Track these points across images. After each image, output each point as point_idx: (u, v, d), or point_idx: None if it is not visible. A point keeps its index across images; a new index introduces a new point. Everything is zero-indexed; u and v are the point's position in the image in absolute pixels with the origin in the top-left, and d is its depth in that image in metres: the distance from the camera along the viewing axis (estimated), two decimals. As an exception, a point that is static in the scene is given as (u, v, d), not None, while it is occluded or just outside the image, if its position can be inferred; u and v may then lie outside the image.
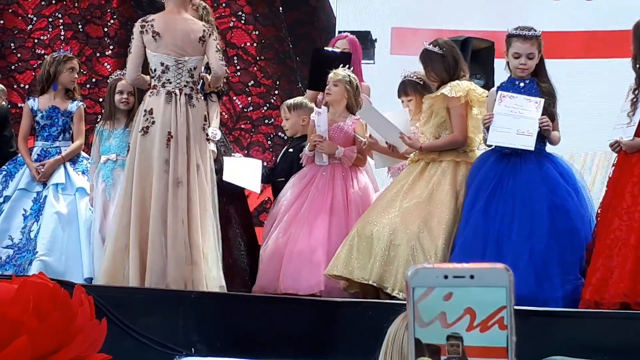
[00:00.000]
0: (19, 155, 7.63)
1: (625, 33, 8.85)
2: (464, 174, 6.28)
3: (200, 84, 6.60)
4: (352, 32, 8.31)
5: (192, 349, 5.80)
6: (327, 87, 6.93)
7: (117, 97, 7.38)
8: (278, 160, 7.53)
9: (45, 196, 7.37)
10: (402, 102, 6.94)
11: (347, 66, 7.02)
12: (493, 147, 6.21)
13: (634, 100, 5.94)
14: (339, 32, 9.33)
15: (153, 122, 6.40)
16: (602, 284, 5.73)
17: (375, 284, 6.12)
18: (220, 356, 5.62)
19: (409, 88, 6.85)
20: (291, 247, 6.60)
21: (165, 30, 6.48)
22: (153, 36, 6.47)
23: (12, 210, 7.38)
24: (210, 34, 6.49)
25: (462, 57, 6.45)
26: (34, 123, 7.58)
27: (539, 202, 6.05)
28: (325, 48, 7.60)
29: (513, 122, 6.06)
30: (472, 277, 1.13)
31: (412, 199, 6.24)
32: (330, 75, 6.90)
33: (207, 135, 6.54)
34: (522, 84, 6.19)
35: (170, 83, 6.45)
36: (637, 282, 5.64)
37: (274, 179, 7.42)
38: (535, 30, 6.20)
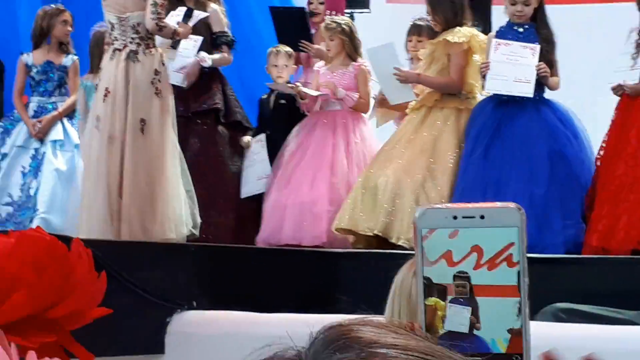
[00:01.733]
0: (15, 111, 7.59)
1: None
2: (466, 122, 6.26)
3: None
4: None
5: (194, 303, 5.79)
6: (323, 42, 6.88)
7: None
8: (267, 110, 7.45)
9: (44, 153, 7.34)
10: (410, 41, 6.85)
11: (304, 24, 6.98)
12: (491, 94, 6.18)
13: (639, 42, 5.88)
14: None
15: (100, 79, 6.44)
16: (609, 231, 5.71)
17: (380, 234, 6.11)
18: (222, 309, 5.63)
19: (424, 30, 6.77)
20: (293, 199, 6.58)
21: None
22: None
23: (10, 168, 7.35)
24: None
25: (467, 4, 6.38)
26: (27, 78, 7.54)
27: (538, 148, 6.04)
28: (279, 6, 7.51)
29: (510, 69, 6.03)
30: (482, 217, 1.10)
31: (416, 148, 6.23)
32: (323, 30, 6.85)
33: (157, 88, 6.43)
34: (521, 29, 6.15)
35: (117, 40, 6.44)
36: None
37: (268, 131, 7.38)
38: None
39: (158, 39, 6.60)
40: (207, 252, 6.32)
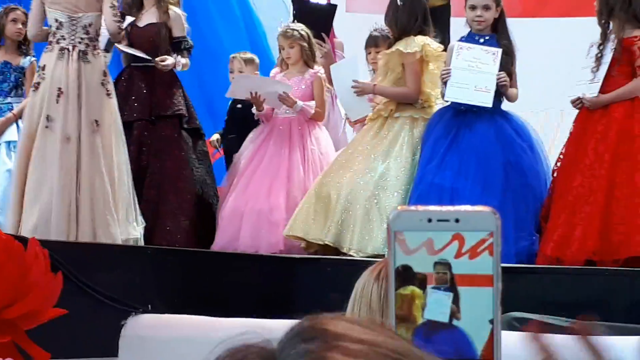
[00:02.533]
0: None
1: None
2: (421, 131, 6.27)
3: (106, 43, 6.64)
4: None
5: (149, 306, 5.76)
6: (283, 50, 6.87)
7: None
8: (226, 116, 7.47)
9: None
10: (369, 53, 6.89)
11: (329, 20, 6.99)
12: (449, 103, 6.20)
13: (599, 55, 5.93)
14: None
15: (44, 79, 6.39)
16: (564, 241, 5.74)
17: (331, 244, 6.11)
18: (178, 313, 5.60)
19: (380, 40, 6.81)
20: (250, 206, 6.56)
21: None
22: None
23: None
24: None
25: (426, 14, 6.39)
26: None
27: (493, 159, 6.06)
28: (310, 1, 7.49)
29: (471, 78, 6.05)
30: (457, 220, 1.10)
31: (370, 158, 6.23)
32: (281, 38, 6.85)
33: (107, 89, 6.46)
34: (481, 40, 6.18)
35: (64, 39, 6.42)
36: (604, 240, 5.66)
37: (224, 136, 7.39)
38: None
39: None
40: (164, 255, 6.29)
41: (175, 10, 7.01)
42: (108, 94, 6.47)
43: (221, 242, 6.62)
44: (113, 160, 6.37)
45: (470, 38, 6.23)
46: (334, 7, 7.37)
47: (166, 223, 6.74)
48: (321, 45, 7.01)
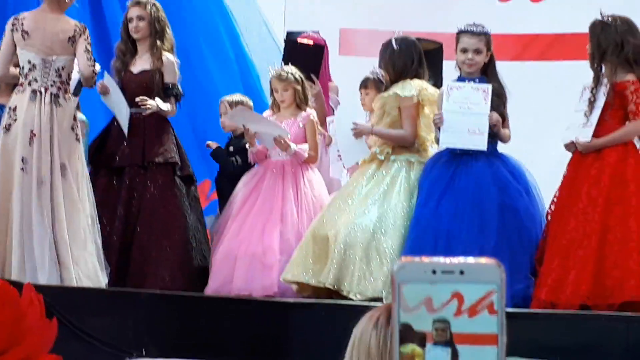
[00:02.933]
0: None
1: (571, 36, 8.97)
2: (417, 174, 6.28)
3: (76, 85, 6.68)
4: (299, 32, 8.27)
5: (143, 351, 5.73)
6: (277, 92, 6.89)
7: None
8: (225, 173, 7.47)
9: None
10: (361, 93, 6.94)
11: (319, 60, 7.02)
12: (445, 147, 6.21)
13: (592, 99, 5.94)
14: (289, 32, 9.29)
15: (15, 120, 6.42)
16: (558, 285, 5.73)
17: (332, 287, 6.09)
18: (171, 357, 5.56)
19: (369, 82, 6.90)
20: (244, 249, 6.54)
21: (34, 29, 6.50)
22: (22, 34, 6.50)
23: None
24: (80, 34, 6.51)
25: (419, 59, 6.42)
26: None
27: (489, 201, 6.06)
28: (299, 39, 7.51)
29: (463, 120, 6.06)
30: (462, 272, 1.08)
31: (367, 200, 6.22)
32: (274, 81, 6.87)
33: (77, 134, 6.52)
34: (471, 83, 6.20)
35: (37, 81, 6.46)
36: (598, 284, 5.64)
37: (217, 178, 7.39)
38: (483, 27, 6.24)
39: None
40: (157, 300, 6.26)
41: (168, 57, 7.03)
42: (77, 139, 6.52)
43: (214, 285, 6.59)
44: (76, 206, 6.41)
45: (460, 81, 6.26)
46: (322, 47, 7.40)
47: (158, 270, 6.71)
48: (311, 86, 7.04)
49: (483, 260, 1.09)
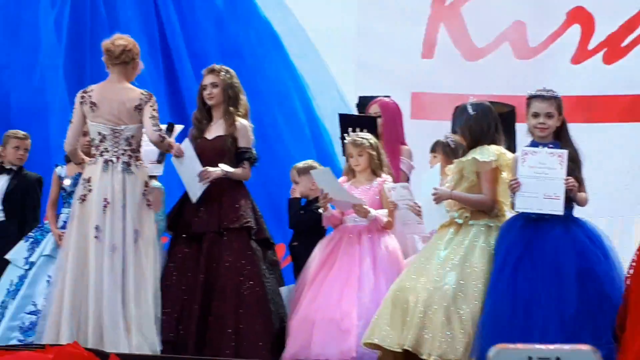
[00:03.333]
0: (46, 222, 7.64)
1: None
2: (496, 239, 6.25)
3: (158, 154, 6.88)
4: (371, 97, 8.34)
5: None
6: (352, 157, 6.94)
7: None
8: (290, 225, 7.50)
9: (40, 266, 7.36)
10: (430, 157, 6.95)
11: (372, 130, 7.06)
12: (520, 212, 6.19)
13: None
14: (361, 97, 9.36)
15: (90, 190, 6.58)
16: (644, 351, 5.64)
17: (411, 350, 6.06)
18: None
19: (437, 147, 6.94)
20: (321, 314, 6.55)
21: (101, 101, 6.69)
22: (90, 107, 6.69)
23: (36, 277, 7.36)
24: (147, 101, 6.64)
25: (496, 124, 6.43)
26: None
27: (567, 267, 6.00)
28: (350, 113, 7.61)
29: (539, 185, 6.04)
30: (557, 359, 1.10)
31: (446, 264, 6.21)
32: (350, 146, 6.92)
33: (149, 201, 6.66)
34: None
35: (108, 151, 6.65)
36: None
37: (291, 242, 7.41)
38: (554, 92, 6.23)
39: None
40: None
41: (241, 122, 7.12)
42: (148, 205, 6.65)
43: (292, 351, 6.60)
44: (147, 272, 6.54)
45: (532, 146, 6.23)
46: (374, 118, 7.46)
47: (236, 337, 6.73)
48: None
49: (579, 346, 1.10)
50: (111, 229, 6.52)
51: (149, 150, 6.89)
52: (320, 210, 6.96)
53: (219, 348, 6.70)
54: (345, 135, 7.10)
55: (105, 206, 6.54)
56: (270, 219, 7.70)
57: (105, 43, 6.78)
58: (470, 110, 6.37)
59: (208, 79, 7.17)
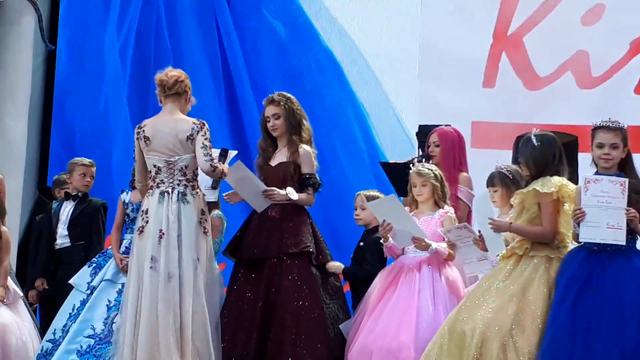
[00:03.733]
0: (109, 248, 7.73)
1: None
2: (557, 271, 6.21)
3: (213, 180, 6.95)
4: (432, 126, 8.34)
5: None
6: (415, 187, 6.93)
7: None
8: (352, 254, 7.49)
9: (101, 291, 7.42)
10: (489, 191, 6.91)
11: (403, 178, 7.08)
12: (582, 243, 6.14)
13: None
14: (421, 126, 9.38)
15: (147, 222, 6.67)
16: None
17: None
18: None
19: (496, 180, 6.86)
20: (379, 344, 6.53)
21: (154, 134, 6.77)
22: (145, 141, 6.78)
23: (96, 301, 7.44)
24: (198, 131, 6.70)
25: (560, 155, 6.40)
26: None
27: (629, 300, 5.94)
28: (389, 161, 7.62)
29: (602, 215, 6.01)
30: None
31: (505, 295, 6.17)
32: (414, 176, 6.92)
33: (205, 228, 6.72)
34: (609, 180, 6.14)
35: (164, 183, 6.74)
36: None
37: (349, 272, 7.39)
38: (619, 123, 6.19)
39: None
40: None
41: (305, 148, 7.16)
42: (205, 232, 6.71)
43: (351, 379, 6.60)
44: (199, 301, 6.62)
45: (597, 175, 6.21)
46: (408, 163, 7.48)
47: None
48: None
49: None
50: (166, 258, 6.60)
51: (203, 176, 6.94)
52: (381, 241, 6.95)
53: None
54: (410, 166, 7.11)
55: (160, 237, 6.63)
56: (328, 245, 7.69)
57: (159, 75, 6.88)
58: (534, 141, 6.34)
59: (269, 111, 7.23)
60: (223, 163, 6.85)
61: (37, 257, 8.35)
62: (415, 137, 9.25)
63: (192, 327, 6.54)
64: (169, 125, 6.77)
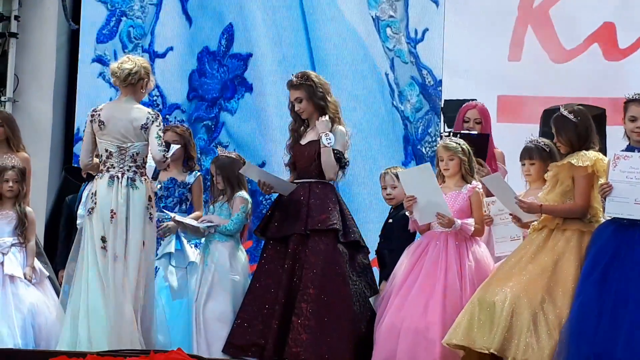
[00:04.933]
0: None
1: None
2: (588, 244, 6.18)
3: (153, 172, 7.14)
4: (457, 101, 8.28)
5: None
6: (442, 161, 6.89)
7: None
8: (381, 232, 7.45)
9: (157, 268, 7.43)
10: (524, 165, 6.83)
11: (483, 147, 6.99)
12: (612, 217, 6.10)
13: None
14: (446, 100, 9.33)
15: (95, 203, 6.88)
16: None
17: (496, 353, 6.04)
18: None
19: (535, 153, 6.77)
20: (407, 324, 6.50)
21: (109, 119, 6.97)
22: (99, 125, 6.98)
23: None
24: (153, 121, 6.91)
25: (594, 127, 6.38)
26: None
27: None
28: (461, 131, 7.52)
29: (630, 191, 6.01)
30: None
31: (536, 268, 6.18)
32: (440, 149, 6.87)
33: (150, 214, 6.97)
34: (640, 153, 6.11)
35: (114, 168, 6.94)
36: None
37: (378, 249, 7.36)
38: None
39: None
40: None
41: (339, 128, 7.12)
42: (150, 218, 6.95)
43: (379, 359, 6.57)
44: (151, 276, 6.98)
45: (628, 150, 6.18)
46: (487, 136, 7.37)
47: (320, 339, 6.74)
48: (479, 170, 7.03)
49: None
50: (114, 240, 6.83)
51: (148, 168, 7.14)
52: (407, 213, 6.91)
53: (304, 349, 6.71)
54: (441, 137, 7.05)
55: (112, 217, 6.85)
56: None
57: (112, 66, 7.10)
58: (571, 117, 6.31)
59: (292, 95, 7.20)
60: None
61: (67, 237, 8.35)
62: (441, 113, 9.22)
63: (134, 304, 6.78)
64: (125, 112, 6.97)
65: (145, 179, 6.99)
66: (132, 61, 7.05)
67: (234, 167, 7.32)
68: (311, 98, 7.11)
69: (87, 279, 6.82)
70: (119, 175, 6.91)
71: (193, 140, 8.00)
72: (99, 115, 7.00)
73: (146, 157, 7.02)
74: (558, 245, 6.23)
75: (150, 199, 6.96)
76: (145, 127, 6.93)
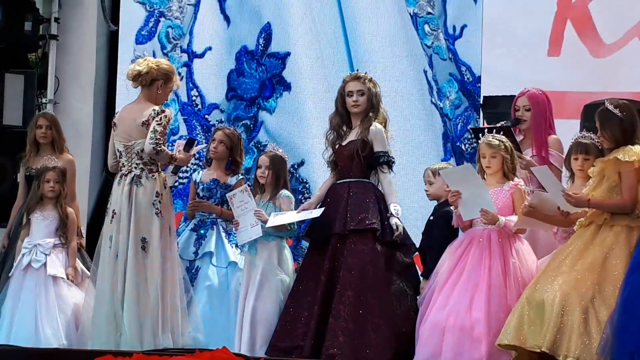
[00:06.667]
0: (179, 227, 7.78)
1: None
2: (637, 240, 6.14)
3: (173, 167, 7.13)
4: (496, 97, 8.22)
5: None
6: (484, 158, 6.85)
7: None
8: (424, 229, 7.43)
9: (198, 267, 7.45)
10: (576, 159, 6.73)
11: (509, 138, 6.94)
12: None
13: None
14: (485, 97, 9.29)
15: (110, 204, 6.99)
16: None
17: (548, 352, 6.01)
18: None
19: (592, 149, 6.66)
20: (452, 321, 6.48)
21: (120, 120, 7.11)
22: (113, 127, 7.17)
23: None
24: (154, 117, 6.91)
25: (639, 122, 6.33)
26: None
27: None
28: (483, 127, 7.45)
29: None
30: None
31: (585, 264, 6.14)
32: (484, 146, 6.83)
33: (157, 209, 7.00)
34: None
35: (124, 166, 7.02)
36: None
37: (420, 246, 7.34)
38: None
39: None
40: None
41: (377, 126, 7.12)
42: (157, 213, 6.91)
43: (422, 357, 6.55)
44: (160, 275, 6.88)
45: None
46: (508, 126, 7.29)
47: (357, 341, 6.73)
48: (520, 158, 6.99)
49: None
50: (116, 237, 6.90)
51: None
52: (452, 208, 6.87)
53: (343, 350, 6.70)
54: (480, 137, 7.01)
55: (112, 217, 6.95)
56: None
57: (129, 67, 7.17)
58: (617, 111, 6.27)
59: (354, 86, 7.18)
60: (187, 152, 7.13)
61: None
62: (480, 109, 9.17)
63: (131, 305, 6.82)
64: (133, 112, 7.04)
65: (154, 176, 6.97)
66: (144, 62, 7.08)
67: (285, 165, 7.38)
68: (371, 97, 7.12)
69: (102, 279, 6.93)
70: (127, 173, 6.98)
71: (243, 146, 7.85)
72: (115, 117, 7.14)
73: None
74: (607, 241, 6.20)
75: (157, 194, 6.95)
76: (146, 124, 6.95)
